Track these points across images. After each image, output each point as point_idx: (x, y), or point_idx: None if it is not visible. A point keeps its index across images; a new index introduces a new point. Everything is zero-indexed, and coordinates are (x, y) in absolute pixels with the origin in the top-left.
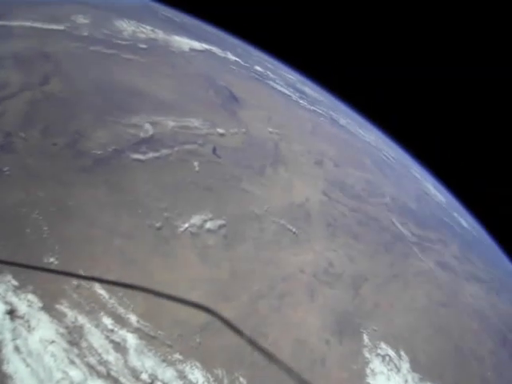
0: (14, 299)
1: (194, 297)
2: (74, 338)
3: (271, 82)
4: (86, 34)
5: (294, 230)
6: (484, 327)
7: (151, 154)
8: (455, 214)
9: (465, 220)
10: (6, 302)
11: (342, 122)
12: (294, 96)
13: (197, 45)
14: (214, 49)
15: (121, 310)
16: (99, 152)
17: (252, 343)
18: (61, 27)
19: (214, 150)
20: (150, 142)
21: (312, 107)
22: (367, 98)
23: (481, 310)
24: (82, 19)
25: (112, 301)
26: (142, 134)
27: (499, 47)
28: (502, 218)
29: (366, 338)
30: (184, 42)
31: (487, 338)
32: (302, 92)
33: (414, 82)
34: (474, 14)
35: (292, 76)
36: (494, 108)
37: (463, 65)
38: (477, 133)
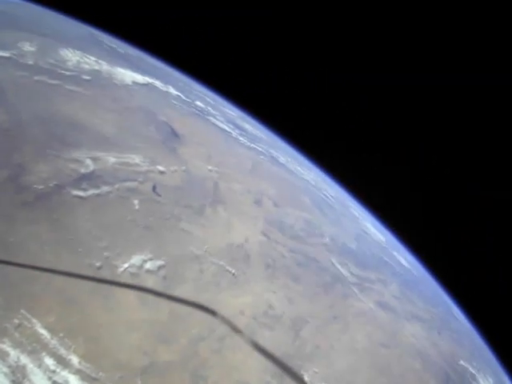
0: None
1: (133, 339)
2: (17, 377)
3: (212, 118)
4: (31, 62)
5: (233, 271)
6: (426, 367)
7: (92, 191)
8: (395, 253)
9: (404, 258)
10: None
11: (282, 160)
12: (234, 133)
13: (139, 78)
14: (157, 82)
15: (62, 351)
16: (41, 187)
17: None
18: (7, 54)
19: (154, 188)
20: (90, 178)
21: (252, 144)
22: (307, 134)
23: (423, 349)
24: (28, 47)
25: (53, 341)
26: (82, 170)
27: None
28: (442, 256)
29: (307, 379)
30: (127, 75)
31: (430, 378)
32: (242, 129)
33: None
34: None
35: (232, 112)
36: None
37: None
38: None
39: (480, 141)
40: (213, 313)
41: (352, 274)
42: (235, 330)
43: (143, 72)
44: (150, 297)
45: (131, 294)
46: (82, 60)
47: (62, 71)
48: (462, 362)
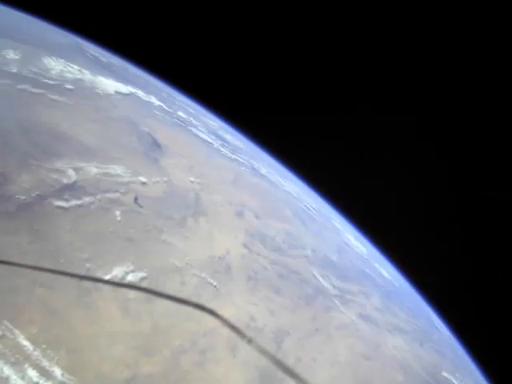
0: None
1: (115, 351)
2: None
3: (194, 129)
4: (14, 70)
5: (214, 283)
6: (409, 379)
7: (74, 202)
8: (376, 265)
9: (386, 270)
10: None
11: (263, 171)
12: (216, 144)
13: (122, 87)
14: (139, 92)
15: (45, 363)
16: (23, 197)
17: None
18: None
19: (136, 199)
20: (72, 189)
21: (233, 156)
22: (288, 144)
23: (405, 361)
24: (12, 54)
25: (36, 353)
26: (65, 180)
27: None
28: (424, 267)
29: None
30: (110, 84)
31: None
32: (223, 139)
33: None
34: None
35: (214, 122)
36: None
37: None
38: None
39: (480, 141)
40: (212, 313)
41: (334, 286)
42: (237, 332)
43: (126, 81)
44: (133, 308)
45: (114, 306)
46: (65, 69)
47: (46, 80)
48: (444, 374)
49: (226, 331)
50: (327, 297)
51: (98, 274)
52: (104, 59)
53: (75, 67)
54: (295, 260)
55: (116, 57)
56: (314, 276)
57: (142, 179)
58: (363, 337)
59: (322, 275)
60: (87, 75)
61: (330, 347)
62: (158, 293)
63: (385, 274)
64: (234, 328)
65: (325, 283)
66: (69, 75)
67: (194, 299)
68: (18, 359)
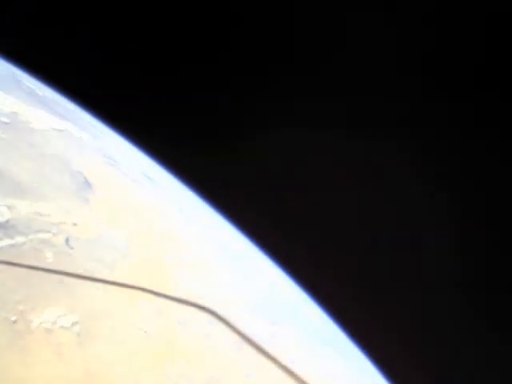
0: None
1: None
2: None
3: (123, 168)
4: None
5: (145, 328)
6: None
7: (7, 241)
8: (305, 309)
9: (314, 314)
10: None
11: (188, 211)
12: (145, 183)
13: (57, 122)
14: (72, 128)
15: None
16: None
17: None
18: None
19: (67, 240)
20: (6, 228)
21: (160, 194)
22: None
23: None
24: None
25: None
26: None
27: None
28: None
29: None
30: (44, 119)
31: None
32: (151, 178)
33: None
34: None
35: (143, 161)
36: None
37: None
38: None
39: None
40: (212, 313)
41: (263, 330)
42: (236, 330)
43: (60, 116)
44: (65, 352)
45: (46, 349)
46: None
47: None
48: None
49: None
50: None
51: (31, 317)
52: (39, 92)
53: (11, 99)
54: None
55: (51, 89)
56: (243, 321)
57: (74, 220)
58: None
59: (248, 319)
60: (22, 108)
61: None
62: (157, 293)
63: (313, 318)
64: (238, 332)
65: (253, 327)
66: (4, 108)
67: (126, 345)
68: None
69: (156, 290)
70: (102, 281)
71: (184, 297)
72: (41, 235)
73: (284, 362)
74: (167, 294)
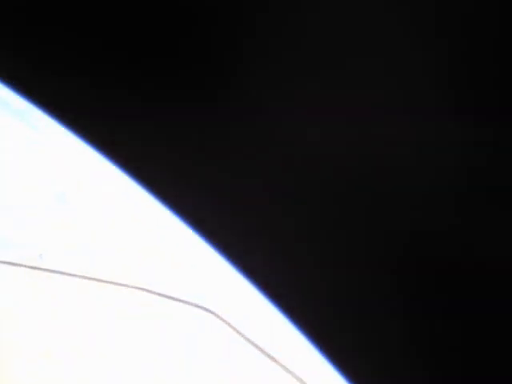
0: None
1: None
2: None
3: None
4: None
5: None
6: None
7: None
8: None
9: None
10: None
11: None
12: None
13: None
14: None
15: None
16: None
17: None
18: None
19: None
20: None
21: None
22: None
23: None
24: None
25: None
26: None
27: None
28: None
29: None
30: None
31: None
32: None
33: None
34: None
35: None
36: None
37: None
38: None
39: None
40: (211, 312)
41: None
42: (236, 330)
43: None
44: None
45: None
46: None
47: None
48: None
49: None
50: None
51: None
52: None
53: None
54: None
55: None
56: None
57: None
58: None
59: None
60: None
61: None
62: (157, 293)
63: None
64: (234, 329)
65: None
66: None
67: None
68: None
69: (154, 289)
70: (100, 281)
71: (183, 297)
72: None
73: (284, 362)
74: (167, 294)
